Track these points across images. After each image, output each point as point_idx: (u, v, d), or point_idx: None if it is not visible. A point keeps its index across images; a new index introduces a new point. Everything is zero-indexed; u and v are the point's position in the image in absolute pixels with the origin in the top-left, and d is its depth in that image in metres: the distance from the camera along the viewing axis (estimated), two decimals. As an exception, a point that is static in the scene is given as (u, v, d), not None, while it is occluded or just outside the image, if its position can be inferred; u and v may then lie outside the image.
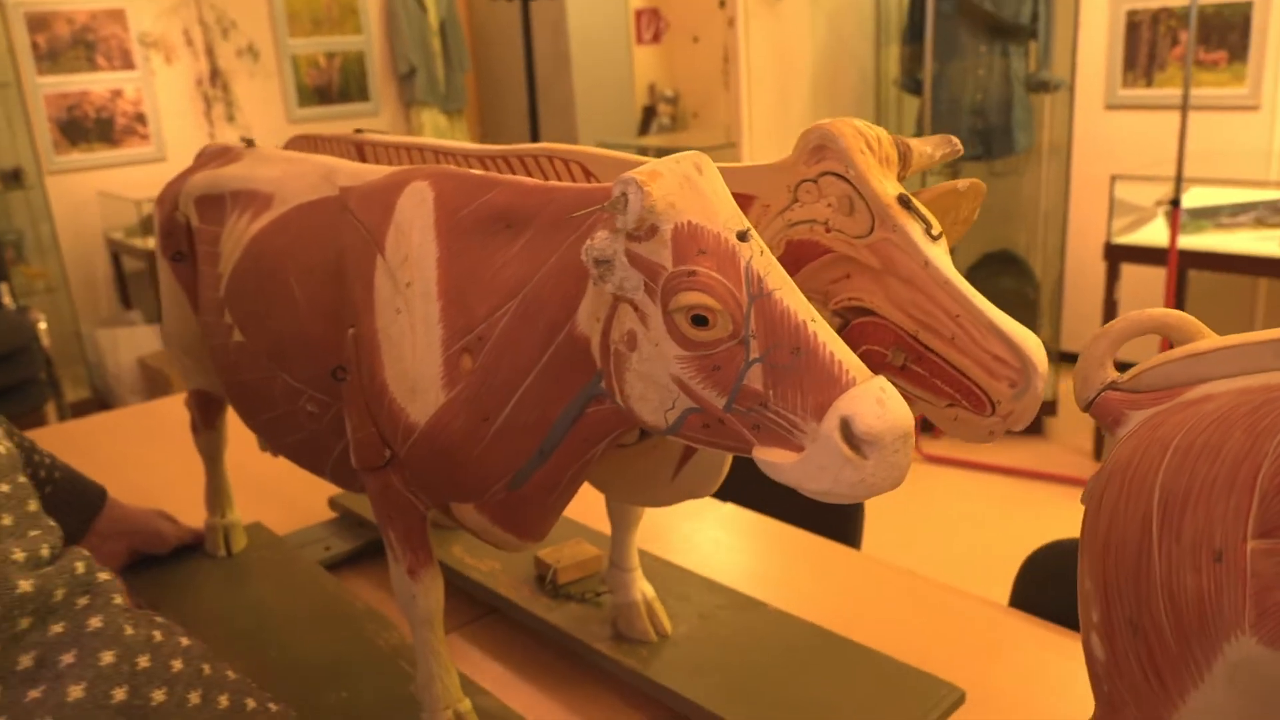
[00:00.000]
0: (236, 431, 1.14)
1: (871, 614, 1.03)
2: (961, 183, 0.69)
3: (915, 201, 0.63)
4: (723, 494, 1.34)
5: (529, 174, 0.84)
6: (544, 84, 5.07)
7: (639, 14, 5.47)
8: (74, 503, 1.06)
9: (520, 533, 0.79)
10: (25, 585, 0.50)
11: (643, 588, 0.97)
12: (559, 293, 0.67)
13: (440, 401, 0.73)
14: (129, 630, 0.53)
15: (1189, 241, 2.84)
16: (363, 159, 1.03)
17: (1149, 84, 3.38)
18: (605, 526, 1.00)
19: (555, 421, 0.70)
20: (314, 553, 1.21)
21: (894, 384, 0.64)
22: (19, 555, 0.51)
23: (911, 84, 3.26)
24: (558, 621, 1.00)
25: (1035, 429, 3.34)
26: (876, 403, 0.53)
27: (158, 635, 0.55)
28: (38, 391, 3.22)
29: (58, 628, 0.50)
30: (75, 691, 0.49)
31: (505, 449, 0.72)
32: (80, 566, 0.54)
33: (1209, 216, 3.00)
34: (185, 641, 0.57)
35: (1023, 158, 3.34)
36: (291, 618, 1.07)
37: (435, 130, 5.40)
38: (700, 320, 0.56)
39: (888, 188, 0.62)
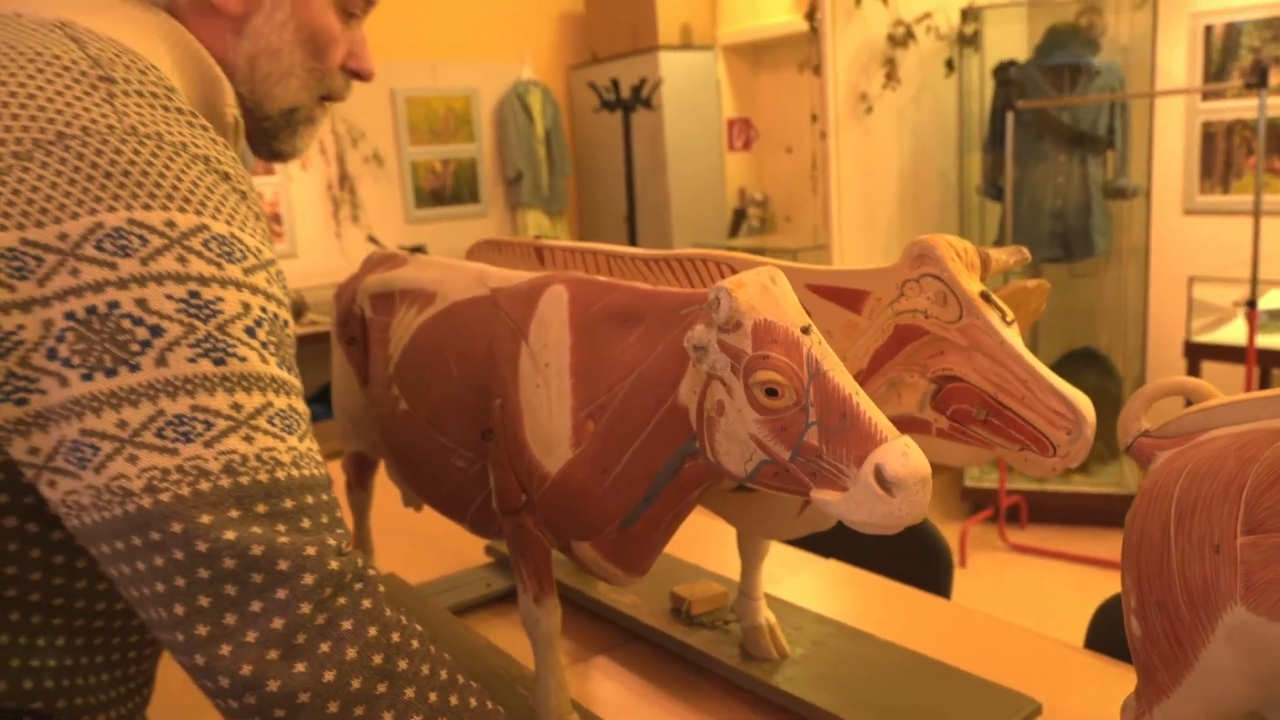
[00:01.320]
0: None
1: (960, 648, 1.20)
2: (1030, 282, 0.90)
3: (994, 296, 0.84)
4: (827, 552, 1.53)
5: (686, 275, 1.08)
6: (641, 188, 5.43)
7: (731, 123, 5.82)
8: None
9: (627, 568, 0.99)
10: (334, 565, 0.66)
11: (766, 614, 1.16)
12: (665, 373, 0.87)
13: (568, 456, 0.94)
14: (388, 612, 0.69)
15: (1268, 340, 2.96)
16: (541, 260, 1.28)
17: (1225, 191, 3.54)
18: (724, 569, 1.19)
19: (658, 474, 0.90)
20: (443, 599, 1.42)
21: (978, 433, 0.84)
22: (332, 542, 0.71)
23: (993, 190, 3.47)
24: (696, 644, 1.20)
25: (1117, 522, 3.42)
26: (902, 455, 0.72)
27: (403, 620, 0.74)
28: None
29: (342, 600, 0.66)
30: (350, 653, 0.65)
31: (618, 496, 0.92)
32: (359, 560, 0.70)
33: (1289, 317, 3.11)
34: (418, 628, 0.74)
35: (1102, 260, 3.51)
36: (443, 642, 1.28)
37: (538, 229, 5.78)
38: (772, 392, 0.76)
39: (973, 286, 0.84)
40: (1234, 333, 3.12)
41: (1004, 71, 3.37)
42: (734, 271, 1.03)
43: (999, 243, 3.35)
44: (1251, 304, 2.85)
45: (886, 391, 0.91)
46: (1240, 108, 3.41)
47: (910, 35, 3.51)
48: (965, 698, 1.04)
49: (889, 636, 1.19)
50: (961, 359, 0.85)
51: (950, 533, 3.53)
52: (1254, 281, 2.82)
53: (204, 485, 0.63)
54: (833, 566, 1.49)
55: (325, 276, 5.14)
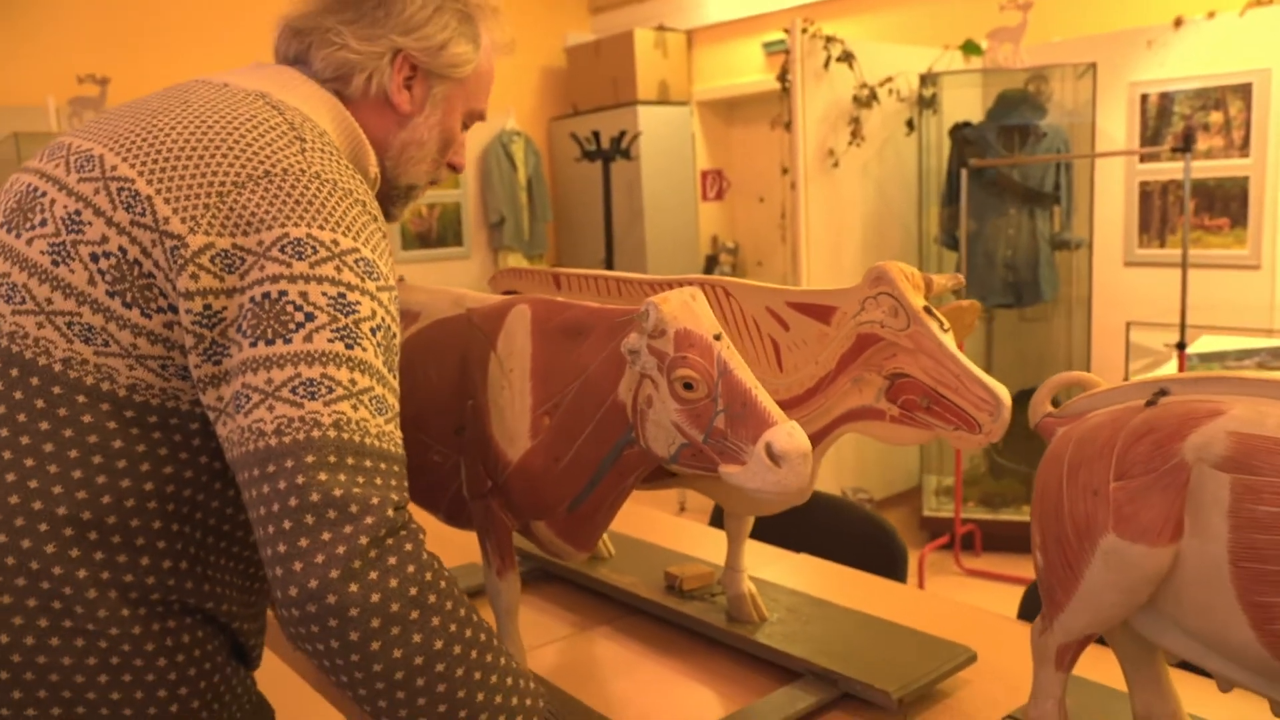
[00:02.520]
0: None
1: (911, 616, 1.41)
2: (964, 303, 1.14)
3: (934, 310, 1.07)
4: (799, 548, 1.74)
5: (685, 294, 1.30)
6: (619, 234, 5.68)
7: (705, 174, 6.11)
8: None
9: (576, 544, 1.20)
10: (390, 513, 0.82)
11: (749, 584, 1.37)
12: (608, 375, 1.09)
13: (527, 447, 1.15)
14: (424, 556, 0.85)
15: (1199, 381, 3.23)
16: (558, 285, 1.49)
17: (1162, 244, 3.84)
18: (711, 558, 1.40)
19: (602, 460, 1.12)
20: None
21: (922, 418, 1.07)
22: (395, 497, 0.84)
23: (950, 240, 3.75)
24: (689, 612, 1.40)
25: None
26: (788, 434, 0.94)
27: (437, 565, 0.87)
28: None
29: (391, 541, 0.81)
30: (393, 582, 0.80)
31: (569, 480, 1.14)
32: (408, 516, 0.86)
33: (1217, 360, 3.39)
34: (448, 573, 0.88)
35: (1050, 306, 3.79)
36: None
37: (519, 273, 6.00)
38: (689, 386, 0.98)
39: (918, 301, 1.07)
40: (1167, 373, 3.40)
41: (959, 131, 3.67)
42: (728, 295, 1.26)
43: (956, 291, 3.62)
44: (1181, 346, 3.12)
45: (851, 387, 1.14)
46: (1173, 169, 3.72)
47: (874, 97, 3.80)
48: (914, 648, 1.26)
49: (852, 605, 1.40)
50: (909, 359, 1.08)
51: (909, 559, 3.76)
52: (1182, 326, 3.09)
53: (315, 433, 0.80)
54: (804, 559, 1.70)
55: (314, 313, 5.32)
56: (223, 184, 0.88)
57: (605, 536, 1.64)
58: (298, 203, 0.88)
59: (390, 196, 1.16)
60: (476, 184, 5.97)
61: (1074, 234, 3.71)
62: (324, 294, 0.85)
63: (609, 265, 5.12)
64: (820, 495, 1.97)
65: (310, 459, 0.80)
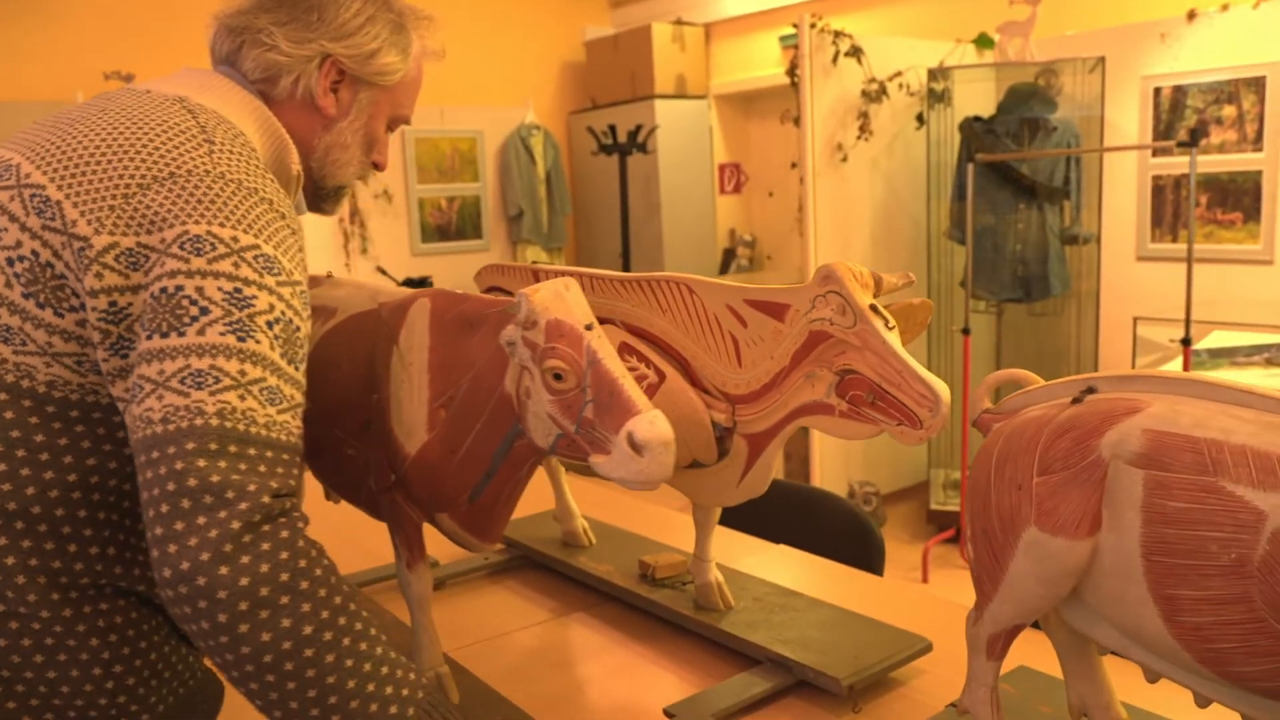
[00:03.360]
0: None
1: (876, 607, 1.44)
2: (915, 300, 1.17)
3: (880, 308, 1.10)
4: (777, 539, 1.78)
5: (655, 293, 1.33)
6: (636, 227, 5.72)
7: (722, 168, 6.13)
8: None
9: (480, 536, 1.20)
10: (265, 499, 0.84)
11: (715, 574, 1.40)
12: (496, 367, 1.10)
13: (425, 439, 1.17)
14: (300, 543, 0.86)
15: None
16: (537, 280, 1.54)
17: (1174, 239, 3.82)
18: (685, 547, 1.44)
19: (495, 452, 1.12)
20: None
21: (868, 414, 1.10)
22: (274, 484, 0.86)
23: (959, 234, 3.75)
24: (658, 599, 1.44)
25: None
26: (649, 423, 0.95)
27: (314, 553, 0.88)
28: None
29: (266, 528, 0.83)
30: (264, 567, 0.81)
31: (465, 472, 1.15)
32: (290, 504, 0.88)
33: (1226, 356, 3.38)
34: (327, 562, 0.89)
35: (1059, 301, 3.78)
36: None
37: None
38: (559, 377, 1.00)
39: (864, 299, 1.09)
40: (1175, 369, 3.39)
41: (968, 126, 3.67)
42: (691, 292, 1.30)
43: (964, 283, 3.63)
44: (1186, 341, 3.12)
45: (804, 383, 1.17)
46: (1186, 163, 3.70)
47: (883, 91, 3.81)
48: (870, 637, 1.29)
49: (819, 598, 1.44)
50: (856, 356, 1.11)
51: (914, 552, 3.77)
52: (1187, 321, 3.08)
53: (198, 421, 0.84)
54: (782, 550, 1.74)
55: (334, 305, 5.41)
56: (128, 186, 0.92)
57: (586, 525, 1.68)
58: (199, 201, 0.92)
59: (320, 195, 1.21)
60: (496, 177, 6.03)
61: (1083, 228, 3.70)
62: (220, 289, 0.89)
63: (625, 258, 5.17)
64: (802, 488, 2.00)
65: (191, 446, 0.83)
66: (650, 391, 1.32)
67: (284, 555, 0.84)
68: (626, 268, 5.18)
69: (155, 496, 0.83)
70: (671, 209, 5.78)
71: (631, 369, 1.34)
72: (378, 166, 1.25)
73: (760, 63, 5.72)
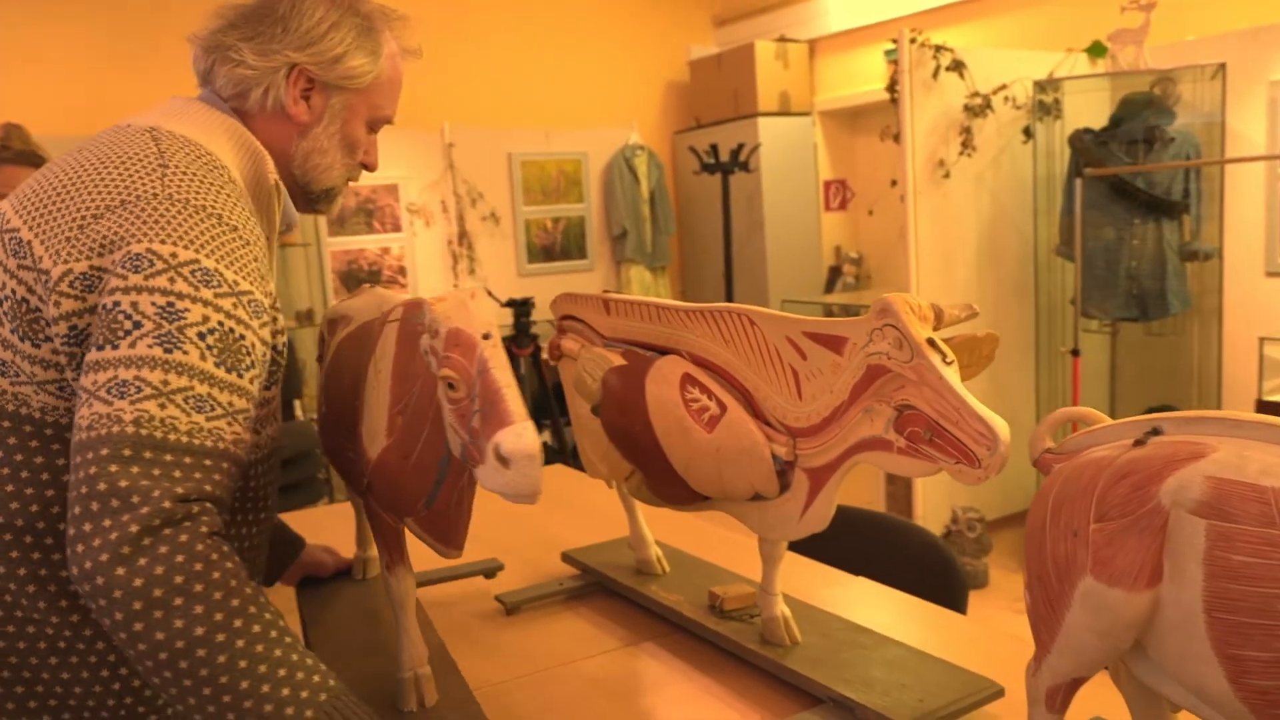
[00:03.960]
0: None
1: (950, 646, 1.40)
2: (980, 333, 1.13)
3: (938, 340, 1.06)
4: (858, 572, 1.74)
5: (718, 324, 1.33)
6: (739, 245, 5.70)
7: (827, 184, 6.06)
8: (282, 537, 1.62)
9: (443, 541, 1.20)
10: (167, 505, 0.87)
11: (782, 608, 1.38)
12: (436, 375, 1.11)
13: (384, 445, 1.19)
14: (199, 548, 0.88)
15: (1342, 401, 3.00)
16: (607, 310, 1.55)
17: (1308, 254, 3.59)
18: (749, 571, 1.42)
19: (441, 459, 1.12)
20: (520, 595, 1.69)
21: (926, 451, 1.06)
22: (180, 490, 0.90)
23: (1068, 251, 3.61)
24: (725, 632, 1.43)
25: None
26: (516, 435, 0.91)
27: (215, 558, 0.89)
28: (316, 488, 3.96)
29: (167, 532, 0.88)
30: (159, 570, 0.86)
31: (418, 478, 1.15)
32: (198, 510, 0.91)
33: (1365, 378, 3.15)
34: (230, 566, 0.91)
35: (1178, 320, 3.59)
36: (372, 614, 1.56)
37: (640, 284, 6.10)
38: (452, 386, 0.99)
39: (921, 333, 1.06)
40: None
41: (1078, 138, 3.53)
42: (752, 323, 1.29)
43: (1074, 301, 3.48)
44: (1317, 364, 2.92)
45: (863, 417, 1.15)
46: (1320, 173, 3.47)
47: (988, 105, 3.70)
48: (939, 679, 1.25)
49: (893, 635, 1.40)
50: (914, 391, 1.08)
51: (1020, 581, 3.62)
52: (1319, 342, 2.89)
53: (115, 429, 0.89)
54: (861, 582, 1.69)
55: (443, 325, 5.56)
56: (83, 217, 1.00)
57: (660, 554, 1.67)
58: (144, 222, 0.99)
59: (310, 199, 1.27)
60: (600, 197, 6.10)
61: (1204, 243, 3.50)
62: (153, 303, 0.95)
63: (728, 277, 5.15)
64: (883, 517, 1.95)
65: (105, 452, 0.89)
66: (712, 423, 1.31)
67: (179, 559, 0.88)
68: (729, 286, 5.17)
69: (72, 499, 0.89)
70: (775, 227, 5.74)
71: (693, 400, 1.33)
72: (367, 167, 1.29)
73: (865, 78, 5.63)
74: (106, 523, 0.87)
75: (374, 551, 1.71)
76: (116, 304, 0.95)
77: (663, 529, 1.81)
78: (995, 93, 3.72)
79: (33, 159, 2.49)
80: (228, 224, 1.03)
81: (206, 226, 1.01)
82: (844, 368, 1.16)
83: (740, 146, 5.12)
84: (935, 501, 3.77)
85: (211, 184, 1.06)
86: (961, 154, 3.68)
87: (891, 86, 3.63)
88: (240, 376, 0.99)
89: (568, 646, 1.51)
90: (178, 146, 1.08)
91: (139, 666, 0.88)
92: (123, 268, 0.96)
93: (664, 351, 1.43)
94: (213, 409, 0.96)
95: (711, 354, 1.35)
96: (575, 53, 6.01)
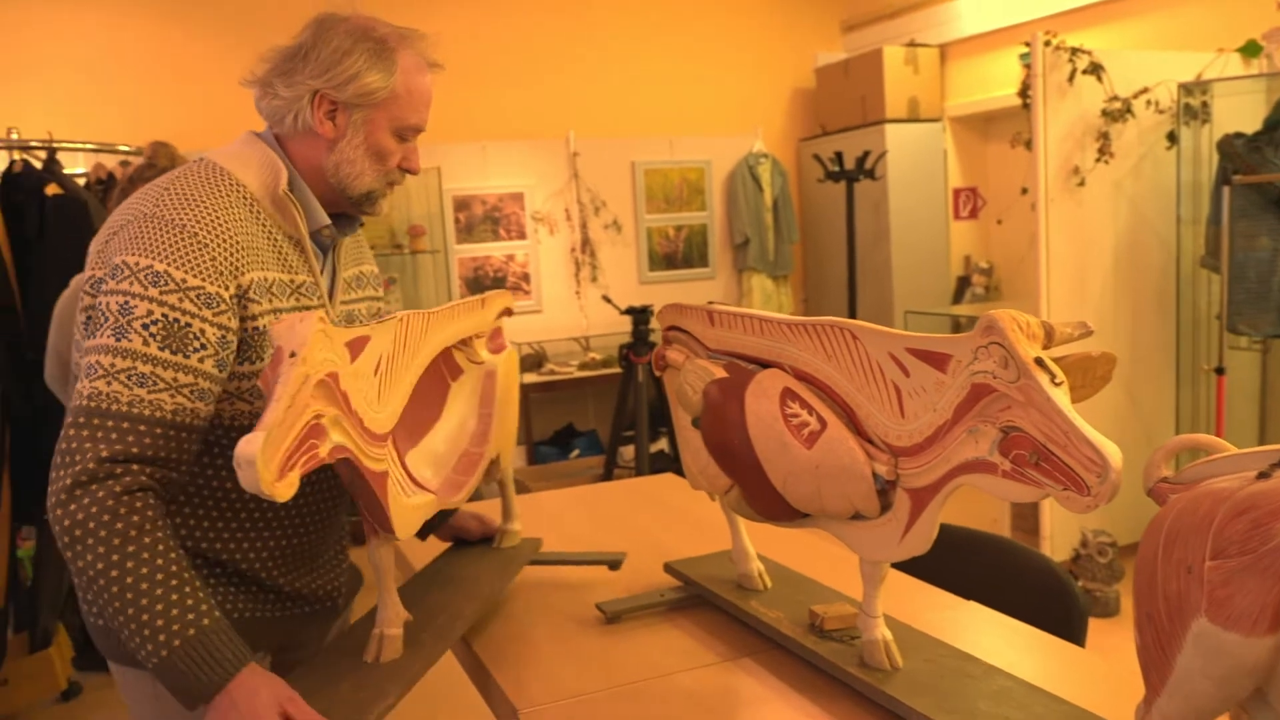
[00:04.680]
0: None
1: (1069, 681, 1.33)
2: (1094, 352, 1.07)
3: (1047, 360, 1.01)
4: (968, 595, 1.68)
5: (821, 338, 1.30)
6: (864, 255, 5.59)
7: (957, 192, 5.88)
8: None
9: (385, 529, 1.29)
10: (91, 465, 1.17)
11: (884, 631, 1.34)
12: None
13: None
14: (109, 503, 1.15)
15: None
16: (711, 321, 1.54)
17: None
18: (854, 590, 1.38)
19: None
20: (622, 605, 1.69)
21: (1031, 475, 1.02)
22: (105, 452, 1.17)
23: (1214, 263, 3.40)
24: (823, 652, 1.40)
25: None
26: (246, 441, 0.97)
27: (123, 511, 1.15)
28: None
29: (93, 487, 1.15)
30: (79, 515, 1.14)
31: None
32: (121, 470, 1.17)
33: None
34: (135, 520, 1.15)
35: (1339, 337, 3.33)
36: (471, 578, 1.67)
37: (762, 292, 6.05)
38: (262, 396, 1.13)
39: (1029, 352, 1.02)
40: None
41: (1228, 143, 3.32)
42: (855, 338, 1.25)
43: (1220, 316, 3.28)
44: None
45: (966, 437, 1.10)
46: None
47: (1128, 110, 3.52)
48: (1047, 715, 1.19)
49: (1002, 665, 1.34)
50: (1021, 413, 1.03)
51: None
52: None
53: (78, 402, 1.17)
54: (972, 607, 1.63)
55: (564, 331, 5.65)
56: (110, 233, 1.29)
57: (762, 569, 1.65)
58: (129, 238, 1.25)
59: (351, 202, 1.44)
60: (723, 205, 6.08)
61: (1371, 256, 3.24)
62: (116, 303, 1.21)
63: (851, 286, 5.06)
64: (1001, 540, 1.88)
65: (68, 419, 1.19)
66: (811, 439, 1.29)
67: (93, 509, 1.13)
68: (852, 296, 5.07)
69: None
70: (901, 235, 5.61)
71: (793, 415, 1.31)
72: (408, 171, 1.45)
73: (999, 82, 5.45)
74: (55, 475, 1.16)
75: (515, 525, 1.82)
76: (96, 304, 1.23)
77: (767, 542, 1.78)
78: (1136, 96, 3.54)
79: None
80: (190, 232, 1.25)
81: (169, 237, 1.24)
82: (948, 386, 1.12)
83: (866, 154, 5.02)
84: (1064, 522, 3.60)
85: (199, 202, 1.29)
86: (1098, 161, 3.51)
87: (1024, 91, 3.50)
88: (186, 357, 1.22)
89: (665, 659, 1.50)
90: (200, 173, 1.33)
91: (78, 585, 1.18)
92: (109, 276, 1.23)
93: (767, 365, 1.41)
94: (155, 384, 1.20)
95: (814, 368, 1.33)
96: (700, 60, 6.02)
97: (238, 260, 1.28)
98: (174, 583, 1.13)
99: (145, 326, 1.19)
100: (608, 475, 5.02)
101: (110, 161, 3.40)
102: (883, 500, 1.24)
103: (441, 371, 1.61)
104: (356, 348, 1.18)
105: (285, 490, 0.98)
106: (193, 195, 1.29)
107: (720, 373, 1.46)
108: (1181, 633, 0.83)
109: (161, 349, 1.20)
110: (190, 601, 1.13)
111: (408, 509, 1.33)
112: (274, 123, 1.39)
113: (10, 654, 3.16)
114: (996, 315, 1.05)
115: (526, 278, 5.61)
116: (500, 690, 1.43)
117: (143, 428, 1.17)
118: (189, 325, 1.22)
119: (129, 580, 1.11)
